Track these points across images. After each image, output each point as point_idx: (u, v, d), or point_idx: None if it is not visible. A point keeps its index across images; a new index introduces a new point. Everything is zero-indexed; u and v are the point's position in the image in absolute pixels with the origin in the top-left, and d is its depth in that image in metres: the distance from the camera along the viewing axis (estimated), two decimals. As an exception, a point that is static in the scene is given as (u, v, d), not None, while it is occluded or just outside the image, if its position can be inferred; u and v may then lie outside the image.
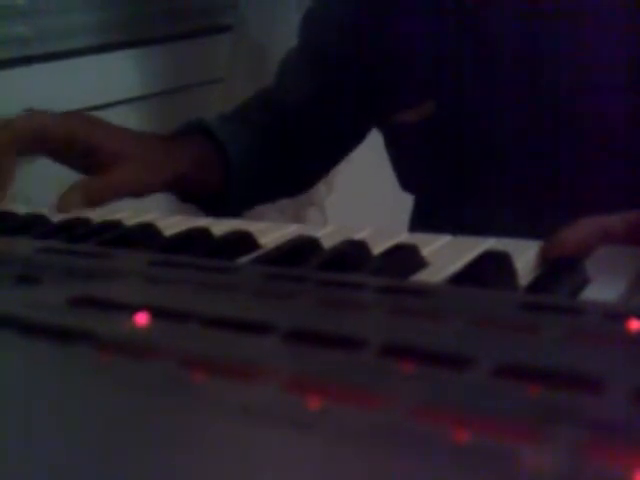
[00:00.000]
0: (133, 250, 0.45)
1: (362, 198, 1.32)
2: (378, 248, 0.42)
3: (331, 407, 0.22)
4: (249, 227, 0.48)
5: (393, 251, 0.41)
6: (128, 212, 0.57)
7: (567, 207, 0.48)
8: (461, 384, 0.23)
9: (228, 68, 1.21)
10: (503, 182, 0.68)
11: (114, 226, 0.53)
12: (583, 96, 0.63)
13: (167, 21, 1.24)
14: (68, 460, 0.21)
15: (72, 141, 0.64)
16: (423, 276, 0.38)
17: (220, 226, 0.50)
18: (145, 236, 0.49)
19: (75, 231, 0.52)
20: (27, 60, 1.05)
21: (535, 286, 0.35)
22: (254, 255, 0.44)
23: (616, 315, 0.27)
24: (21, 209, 0.63)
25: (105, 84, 1.10)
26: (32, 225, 0.56)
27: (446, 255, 0.40)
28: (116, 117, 0.72)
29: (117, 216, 0.56)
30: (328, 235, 0.45)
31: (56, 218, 0.58)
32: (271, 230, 0.48)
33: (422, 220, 0.79)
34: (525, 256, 0.38)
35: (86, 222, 0.55)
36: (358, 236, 0.44)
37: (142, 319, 0.31)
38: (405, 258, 0.40)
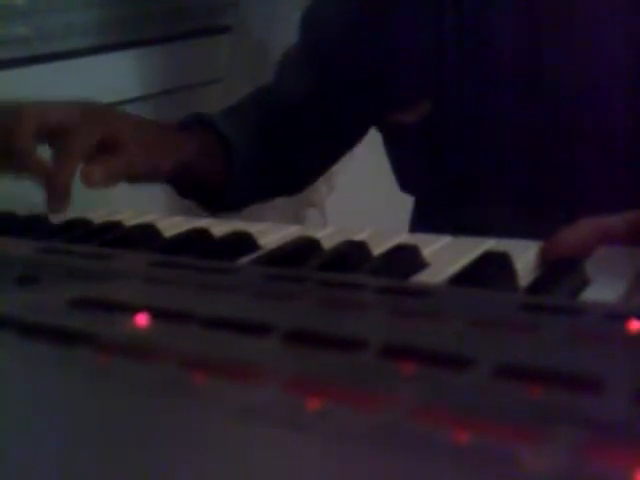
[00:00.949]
0: (133, 251, 0.45)
1: (362, 198, 1.31)
2: (378, 249, 0.42)
3: (331, 408, 0.22)
4: (249, 228, 0.48)
5: (393, 252, 0.41)
6: (128, 213, 0.57)
7: (567, 207, 0.48)
8: (461, 384, 0.23)
9: (228, 68, 1.21)
10: (502, 182, 0.68)
11: (114, 227, 0.53)
12: (583, 96, 0.63)
13: (167, 21, 1.24)
14: (69, 461, 0.21)
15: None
16: (423, 277, 0.38)
17: (220, 227, 0.50)
18: (145, 237, 0.49)
19: (75, 232, 0.52)
20: (27, 60, 1.05)
21: (535, 287, 0.35)
22: (254, 256, 0.44)
23: (616, 315, 0.27)
24: (21, 210, 0.63)
25: (105, 84, 1.10)
26: (32, 226, 0.56)
27: (446, 256, 0.40)
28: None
29: (117, 217, 0.56)
30: (328, 236, 0.45)
31: (56, 219, 0.58)
32: (271, 231, 0.48)
33: (422, 220, 0.79)
34: (525, 256, 0.38)
35: (86, 223, 0.55)
36: (358, 237, 0.44)
37: (142, 320, 0.31)
38: (405, 259, 0.40)
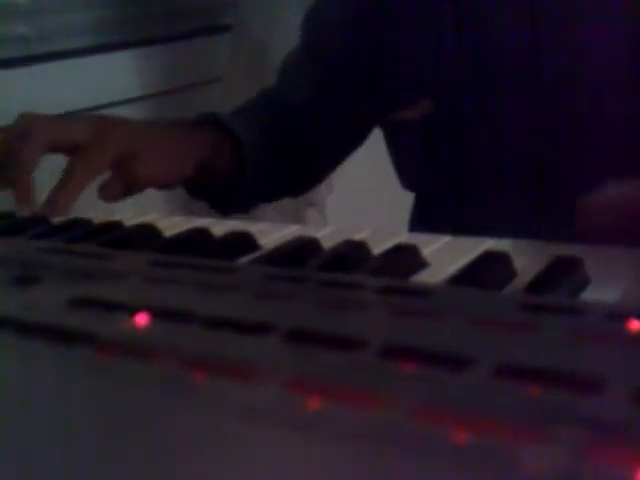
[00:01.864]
0: (133, 251, 0.45)
1: (362, 198, 1.32)
2: (378, 248, 0.42)
3: (331, 407, 0.22)
4: (249, 228, 0.48)
5: (393, 251, 0.41)
6: (128, 213, 0.57)
7: (567, 207, 0.48)
8: (461, 384, 0.23)
9: (228, 68, 1.21)
10: (502, 182, 0.68)
11: (114, 227, 0.53)
12: (583, 96, 0.63)
13: (167, 21, 1.24)
14: (68, 461, 0.21)
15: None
16: (423, 276, 0.38)
17: (220, 226, 0.50)
18: (145, 237, 0.49)
19: (75, 231, 0.52)
20: (28, 60, 1.05)
21: (535, 286, 0.35)
22: (254, 256, 0.44)
23: (616, 315, 0.27)
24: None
25: (105, 84, 1.10)
26: (32, 225, 0.56)
27: (446, 255, 0.40)
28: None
29: (117, 217, 0.56)
30: (328, 235, 0.45)
31: (56, 219, 0.58)
32: (271, 231, 0.48)
33: (422, 218, 0.79)
34: (525, 256, 0.38)
35: (86, 223, 0.55)
36: (358, 236, 0.44)
37: (142, 320, 0.31)
38: (405, 258, 0.40)
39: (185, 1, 1.27)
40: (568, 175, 0.65)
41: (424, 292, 0.32)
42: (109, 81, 1.11)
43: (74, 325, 0.31)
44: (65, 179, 0.62)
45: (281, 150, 0.80)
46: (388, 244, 0.42)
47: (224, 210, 0.78)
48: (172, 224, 0.52)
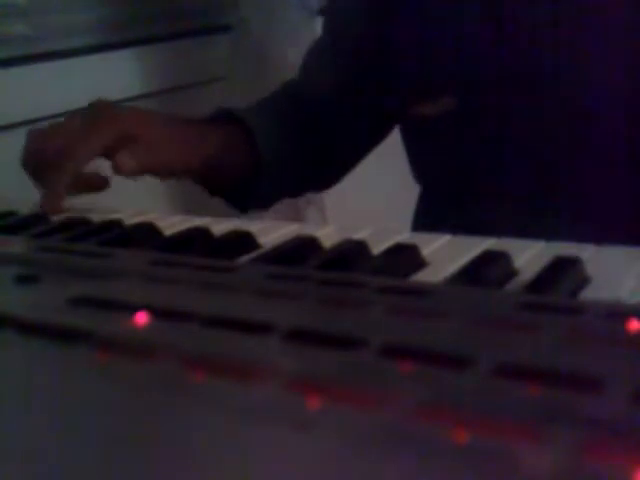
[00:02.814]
0: (133, 250, 0.45)
1: (362, 197, 1.31)
2: (378, 248, 0.42)
3: (331, 407, 0.22)
4: (249, 227, 0.48)
5: (393, 251, 0.41)
6: (128, 212, 0.57)
7: (571, 207, 0.47)
8: (461, 383, 0.23)
9: (228, 68, 1.21)
10: (503, 182, 0.68)
11: (114, 226, 0.53)
12: (585, 98, 0.63)
13: (167, 21, 1.24)
14: (68, 460, 0.21)
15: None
16: (423, 276, 0.38)
17: (220, 225, 0.50)
18: (145, 236, 0.49)
19: (75, 230, 0.52)
20: (27, 59, 1.05)
21: (535, 286, 0.35)
22: (254, 255, 0.44)
23: (616, 315, 0.27)
24: (22, 209, 0.63)
25: (105, 84, 1.10)
26: (32, 224, 0.56)
27: (446, 255, 0.40)
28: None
29: (117, 216, 0.56)
30: (328, 234, 0.45)
31: (56, 217, 0.58)
32: (271, 230, 0.48)
33: (427, 214, 0.79)
34: (525, 256, 0.38)
35: (86, 221, 0.55)
36: (358, 236, 0.44)
37: (142, 319, 0.31)
38: (405, 258, 0.40)
39: (185, 1, 1.27)
40: (569, 175, 0.65)
41: (424, 291, 0.32)
42: (109, 81, 1.11)
43: (74, 324, 0.31)
44: (55, 170, 0.62)
45: (302, 142, 0.79)
46: (388, 243, 0.42)
47: (243, 207, 0.77)
48: (172, 223, 0.52)
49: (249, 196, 0.76)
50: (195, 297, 0.35)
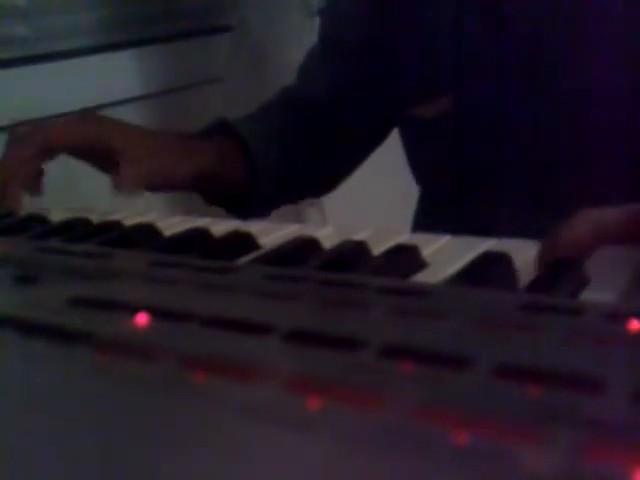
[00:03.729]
0: (133, 250, 0.45)
1: (362, 197, 1.31)
2: (378, 248, 0.42)
3: (331, 407, 0.22)
4: (249, 227, 0.48)
5: (393, 251, 0.41)
6: (128, 212, 0.57)
7: (574, 206, 0.47)
8: (461, 384, 0.23)
9: (228, 68, 1.21)
10: (502, 183, 0.68)
11: (114, 226, 0.53)
12: (586, 101, 0.62)
13: (167, 21, 1.24)
14: (68, 460, 0.21)
15: (92, 147, 0.65)
16: (423, 276, 0.38)
17: (220, 226, 0.50)
18: (145, 236, 0.49)
19: (75, 231, 0.52)
20: (27, 60, 1.05)
21: (535, 286, 0.35)
22: (254, 255, 0.44)
23: (616, 315, 0.27)
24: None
25: (105, 84, 1.10)
26: (31, 225, 0.56)
27: (446, 255, 0.40)
28: (116, 117, 0.72)
29: (117, 216, 0.56)
30: (328, 235, 0.45)
31: (56, 218, 0.58)
32: (271, 230, 0.48)
33: (427, 215, 0.79)
34: (525, 256, 0.38)
35: (86, 222, 0.55)
36: (358, 236, 0.44)
37: (142, 319, 0.31)
38: (405, 258, 0.40)
39: (185, 1, 1.27)
40: (569, 175, 0.65)
41: (424, 292, 0.32)
42: (109, 81, 1.11)
43: (74, 325, 0.31)
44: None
45: (301, 147, 0.79)
46: (388, 244, 0.42)
47: (242, 216, 0.77)
48: (172, 224, 0.52)
49: (247, 205, 0.76)
50: (195, 298, 0.35)
